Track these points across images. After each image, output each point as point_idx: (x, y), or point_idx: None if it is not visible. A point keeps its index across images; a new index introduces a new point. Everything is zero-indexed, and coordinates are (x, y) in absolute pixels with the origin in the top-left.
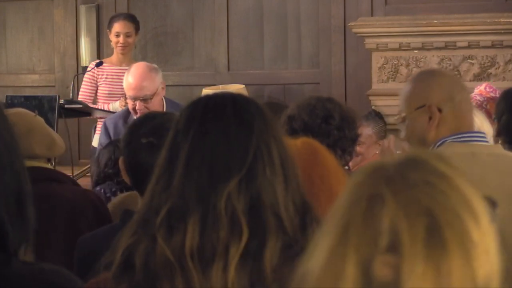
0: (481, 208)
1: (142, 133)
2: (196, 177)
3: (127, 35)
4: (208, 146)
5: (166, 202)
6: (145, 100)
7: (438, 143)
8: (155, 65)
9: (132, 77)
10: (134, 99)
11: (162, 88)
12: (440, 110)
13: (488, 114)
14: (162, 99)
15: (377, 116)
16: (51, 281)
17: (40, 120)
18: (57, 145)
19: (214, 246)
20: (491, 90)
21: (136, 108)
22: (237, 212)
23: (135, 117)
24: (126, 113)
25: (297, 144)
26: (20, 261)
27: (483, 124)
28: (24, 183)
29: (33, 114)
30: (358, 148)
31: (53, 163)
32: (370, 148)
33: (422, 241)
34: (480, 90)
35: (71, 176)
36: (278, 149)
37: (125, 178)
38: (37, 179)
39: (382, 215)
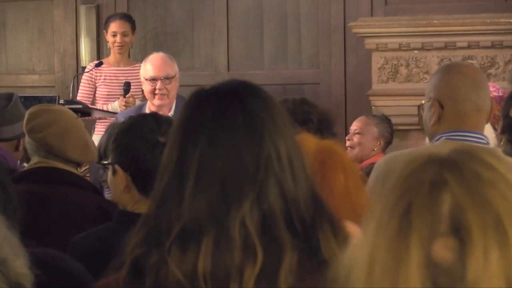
0: None
1: (161, 133)
2: (208, 196)
3: (124, 35)
4: (219, 162)
5: (178, 220)
6: (168, 79)
7: (436, 138)
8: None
9: (151, 61)
10: (155, 79)
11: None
12: (442, 106)
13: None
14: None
15: (386, 119)
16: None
17: (80, 123)
18: (90, 151)
19: (228, 269)
20: (494, 89)
21: (157, 87)
22: (250, 234)
23: (153, 101)
24: (139, 109)
25: (311, 149)
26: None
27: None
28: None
29: (74, 115)
30: (356, 139)
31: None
32: (370, 142)
33: (491, 231)
34: None
35: None
36: (287, 148)
37: (122, 184)
38: (58, 182)
39: (444, 199)
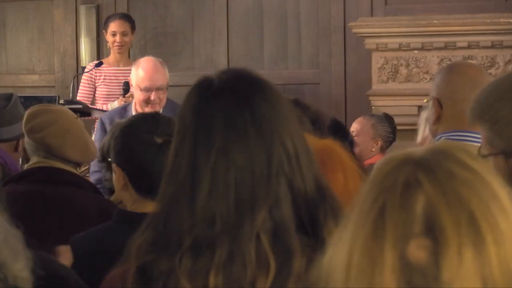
0: (507, 202)
1: (157, 133)
2: (221, 208)
3: (123, 34)
4: (232, 172)
5: (190, 231)
6: (161, 89)
7: (437, 138)
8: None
9: (144, 69)
10: (149, 89)
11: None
12: (441, 106)
13: None
14: None
15: (386, 118)
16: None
17: (80, 123)
18: (90, 152)
19: (241, 283)
20: None
21: (152, 98)
22: (264, 247)
23: (144, 109)
24: (122, 110)
25: (317, 148)
26: None
27: None
28: None
29: (74, 115)
30: (355, 140)
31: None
32: (367, 143)
33: (465, 229)
34: None
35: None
36: (295, 145)
37: (120, 183)
38: (57, 181)
39: (418, 200)
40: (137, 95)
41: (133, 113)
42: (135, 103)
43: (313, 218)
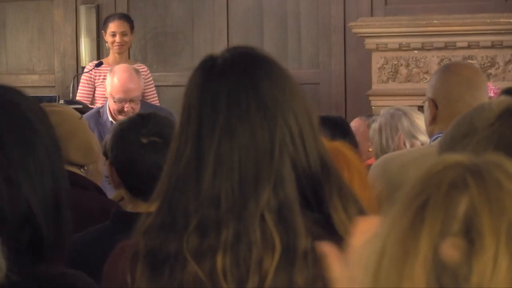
0: None
1: (142, 133)
2: (226, 188)
3: (123, 34)
4: (236, 153)
5: (196, 212)
6: (133, 101)
7: (433, 138)
8: (136, 67)
9: (119, 79)
10: (123, 101)
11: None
12: (436, 106)
13: None
14: None
15: None
16: (72, 284)
17: (84, 124)
18: (94, 153)
19: (247, 262)
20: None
21: (125, 109)
22: (269, 226)
23: (116, 119)
24: (97, 114)
25: None
26: (44, 265)
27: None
28: (63, 189)
29: (78, 116)
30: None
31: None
32: (363, 143)
33: (504, 238)
34: None
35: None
36: (298, 124)
37: (114, 181)
38: None
39: (461, 201)
40: (111, 103)
41: (108, 116)
42: (110, 106)
43: (318, 195)
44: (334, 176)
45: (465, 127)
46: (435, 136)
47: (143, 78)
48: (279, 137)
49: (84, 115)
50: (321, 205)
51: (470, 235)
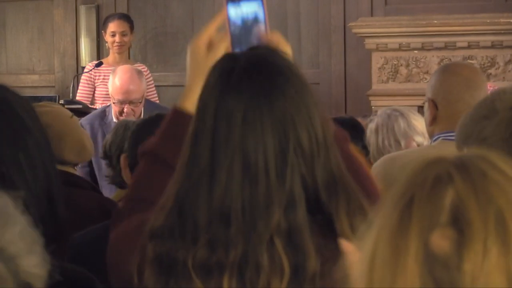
0: None
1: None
2: (236, 207)
3: (122, 34)
4: (248, 171)
5: (206, 229)
6: (133, 103)
7: (434, 138)
8: (139, 69)
9: (120, 80)
10: (123, 102)
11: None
12: (436, 107)
13: None
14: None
15: None
16: (74, 280)
17: (75, 122)
18: (87, 151)
19: (254, 286)
20: None
21: (125, 111)
22: (278, 251)
23: (119, 118)
24: (102, 113)
25: None
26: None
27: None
28: (55, 184)
29: (69, 114)
30: None
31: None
32: None
33: (492, 225)
34: None
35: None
36: (310, 138)
37: (126, 175)
38: None
39: (447, 193)
40: (112, 104)
41: (113, 117)
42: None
43: (325, 213)
44: (343, 192)
45: (486, 109)
46: (436, 136)
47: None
48: (292, 157)
49: (90, 114)
50: (328, 223)
51: (458, 225)
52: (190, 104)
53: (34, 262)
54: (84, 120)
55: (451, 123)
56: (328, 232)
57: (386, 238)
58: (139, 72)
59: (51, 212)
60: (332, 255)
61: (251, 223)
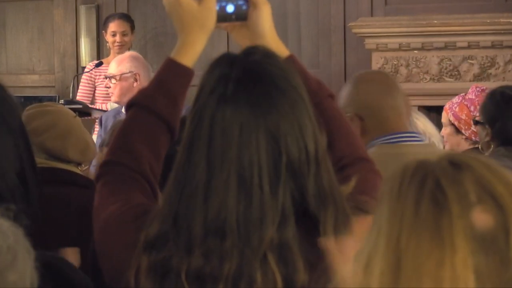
0: None
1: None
2: (231, 221)
3: (123, 34)
4: (243, 186)
5: (201, 241)
6: (109, 77)
7: (369, 146)
8: (147, 63)
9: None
10: (106, 77)
11: (135, 79)
12: (361, 119)
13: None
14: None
15: None
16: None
17: (79, 122)
18: (90, 150)
19: None
20: (472, 90)
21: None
22: (271, 266)
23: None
24: (117, 111)
25: None
26: None
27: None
28: (28, 164)
29: (73, 114)
30: None
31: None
32: None
33: None
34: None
35: None
36: (300, 153)
37: None
38: (59, 182)
39: (466, 176)
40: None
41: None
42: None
43: (312, 217)
44: (333, 208)
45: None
46: (371, 143)
47: None
48: (284, 174)
49: (108, 111)
50: (315, 236)
51: (492, 200)
52: (187, 59)
53: (15, 278)
54: (104, 115)
55: (385, 129)
56: (313, 238)
57: (413, 223)
58: (133, 56)
59: (22, 186)
60: (318, 260)
61: (245, 238)
